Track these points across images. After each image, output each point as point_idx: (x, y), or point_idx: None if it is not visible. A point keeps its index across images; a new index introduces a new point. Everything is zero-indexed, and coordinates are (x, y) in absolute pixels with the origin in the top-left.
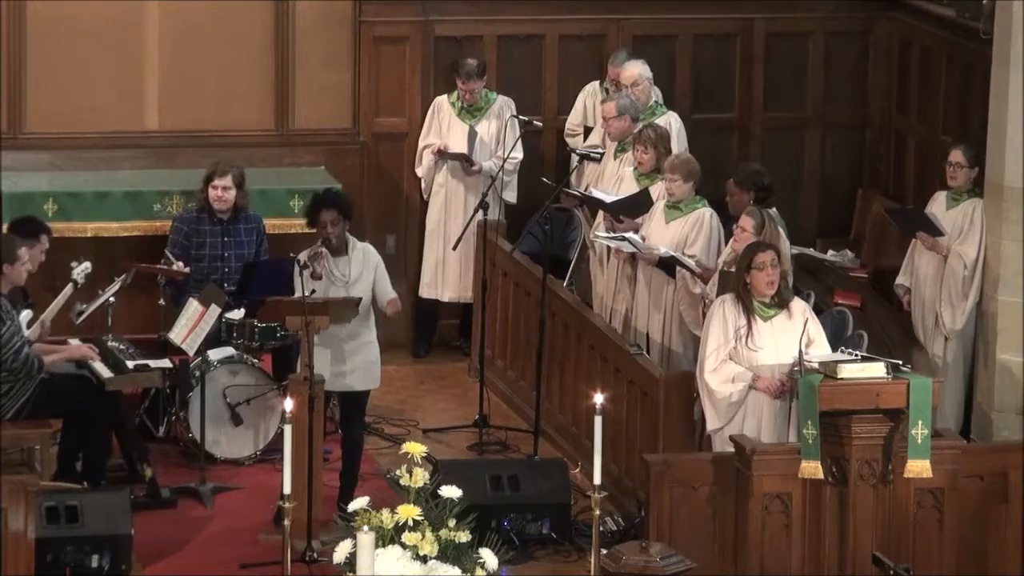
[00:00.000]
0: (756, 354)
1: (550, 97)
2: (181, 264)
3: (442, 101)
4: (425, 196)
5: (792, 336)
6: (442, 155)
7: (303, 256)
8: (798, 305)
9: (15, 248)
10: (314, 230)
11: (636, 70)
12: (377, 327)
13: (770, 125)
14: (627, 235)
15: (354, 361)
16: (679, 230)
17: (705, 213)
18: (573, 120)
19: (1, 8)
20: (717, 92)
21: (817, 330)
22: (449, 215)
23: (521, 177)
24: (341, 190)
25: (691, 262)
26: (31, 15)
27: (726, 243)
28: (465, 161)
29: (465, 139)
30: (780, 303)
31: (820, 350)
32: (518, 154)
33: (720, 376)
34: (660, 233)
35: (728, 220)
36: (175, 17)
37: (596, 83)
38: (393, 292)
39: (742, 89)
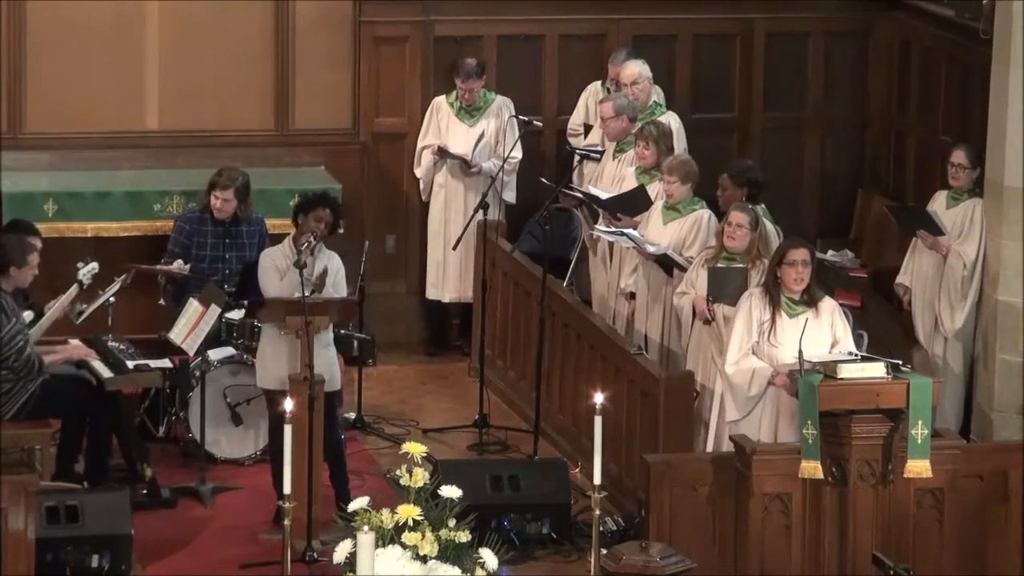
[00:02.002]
0: (776, 350)
1: (550, 97)
2: (181, 262)
3: (440, 101)
4: (424, 197)
5: (816, 335)
6: (442, 154)
7: (301, 246)
8: (827, 304)
9: (27, 252)
10: (299, 221)
11: (636, 69)
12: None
13: (770, 125)
14: (626, 230)
15: (317, 365)
16: (677, 231)
17: (703, 215)
18: (575, 120)
19: (1, 8)
20: (717, 92)
21: (844, 331)
22: (450, 215)
23: (521, 177)
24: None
25: (684, 261)
26: (31, 15)
27: None
28: (464, 163)
29: (465, 139)
30: (809, 301)
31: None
32: (517, 154)
33: (740, 369)
34: (658, 234)
35: (720, 215)
36: (175, 17)
37: (598, 83)
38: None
39: (742, 89)
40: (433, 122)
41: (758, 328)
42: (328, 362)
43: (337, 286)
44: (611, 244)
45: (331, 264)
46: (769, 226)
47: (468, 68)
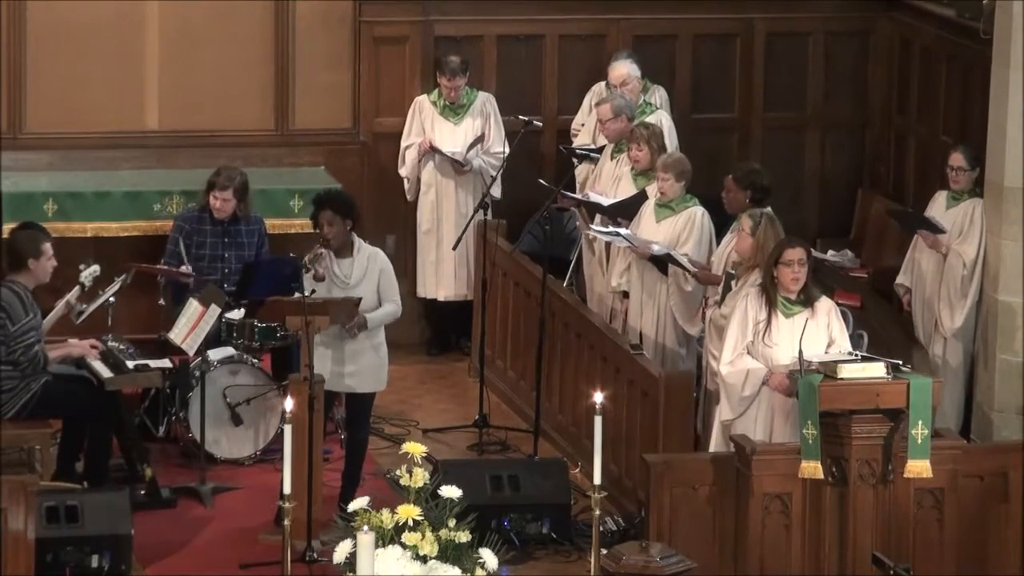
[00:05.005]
0: (772, 350)
1: (550, 97)
2: (188, 267)
3: (423, 100)
4: (409, 196)
5: (812, 335)
6: (433, 151)
7: (307, 258)
8: (824, 304)
9: (39, 242)
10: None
11: (624, 70)
12: None
13: (770, 125)
14: (620, 230)
15: (360, 362)
16: (670, 229)
17: (696, 212)
18: (579, 120)
19: (1, 8)
20: (717, 92)
21: (840, 331)
22: (443, 213)
23: (520, 177)
24: (342, 190)
25: (686, 260)
26: (31, 15)
27: (717, 242)
28: (457, 163)
29: (451, 137)
30: (805, 301)
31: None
32: (505, 149)
33: (735, 369)
34: (651, 232)
35: (723, 216)
36: (175, 17)
37: (603, 83)
38: (394, 304)
39: (742, 89)
40: (416, 121)
41: (753, 328)
42: (376, 361)
43: (385, 288)
44: (607, 244)
45: (373, 263)
46: (777, 231)
47: (453, 65)
